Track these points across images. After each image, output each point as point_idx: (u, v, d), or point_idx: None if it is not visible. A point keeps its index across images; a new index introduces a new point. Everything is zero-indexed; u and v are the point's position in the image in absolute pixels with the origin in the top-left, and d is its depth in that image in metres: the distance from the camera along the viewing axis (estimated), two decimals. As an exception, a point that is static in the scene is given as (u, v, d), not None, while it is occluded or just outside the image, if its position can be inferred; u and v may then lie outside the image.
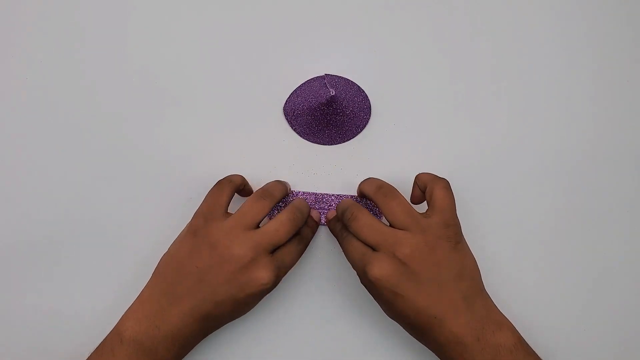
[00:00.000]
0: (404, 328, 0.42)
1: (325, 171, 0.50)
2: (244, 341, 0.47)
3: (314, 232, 0.47)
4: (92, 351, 0.41)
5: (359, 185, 0.45)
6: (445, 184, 0.42)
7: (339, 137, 0.50)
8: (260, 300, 0.42)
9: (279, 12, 0.51)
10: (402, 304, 0.39)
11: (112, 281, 0.48)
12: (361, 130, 0.50)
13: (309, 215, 0.46)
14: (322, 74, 0.50)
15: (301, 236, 0.44)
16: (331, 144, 0.50)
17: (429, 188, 0.43)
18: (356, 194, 0.48)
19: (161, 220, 0.48)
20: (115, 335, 0.40)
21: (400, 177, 0.49)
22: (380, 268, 0.39)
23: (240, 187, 0.45)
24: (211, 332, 0.42)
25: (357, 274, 0.42)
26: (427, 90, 0.51)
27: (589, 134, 0.51)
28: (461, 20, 0.51)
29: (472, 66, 0.51)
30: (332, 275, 0.48)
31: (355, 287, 0.48)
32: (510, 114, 0.51)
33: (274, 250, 0.41)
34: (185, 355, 0.42)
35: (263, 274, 0.39)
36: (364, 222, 0.41)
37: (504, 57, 0.51)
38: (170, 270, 0.41)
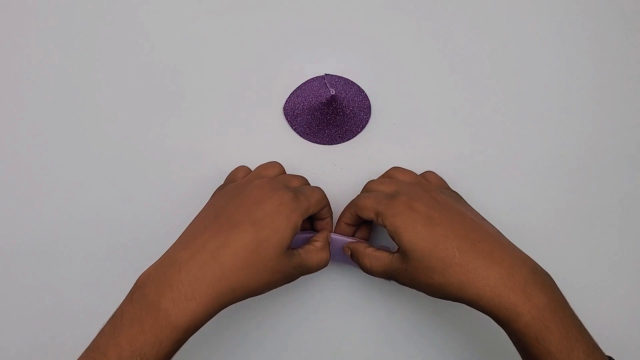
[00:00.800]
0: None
1: (325, 171, 0.50)
2: (244, 340, 0.47)
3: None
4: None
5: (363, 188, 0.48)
6: (432, 172, 0.48)
7: (339, 137, 0.50)
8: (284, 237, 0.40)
9: (279, 12, 0.51)
10: (438, 230, 0.39)
11: (113, 280, 0.48)
12: (361, 130, 0.50)
13: None
14: (322, 74, 0.50)
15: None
16: (331, 144, 0.50)
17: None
18: (356, 195, 0.48)
19: (161, 219, 0.49)
20: (127, 298, 0.37)
21: (400, 177, 0.49)
22: (405, 197, 0.41)
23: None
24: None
25: (377, 222, 0.42)
26: (427, 90, 0.51)
27: (589, 133, 0.51)
28: (461, 20, 0.51)
29: (472, 66, 0.51)
30: (332, 274, 0.48)
31: (355, 286, 0.48)
32: (510, 114, 0.51)
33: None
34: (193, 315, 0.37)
35: (283, 194, 0.40)
36: (377, 181, 0.46)
37: (503, 57, 0.51)
38: (226, 198, 0.43)
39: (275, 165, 0.46)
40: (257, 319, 0.48)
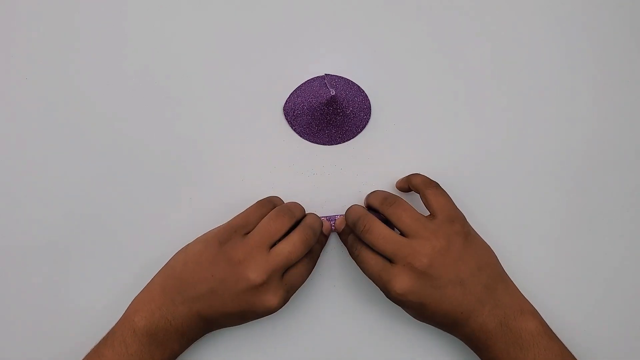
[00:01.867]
0: (433, 325, 0.44)
1: (325, 171, 0.50)
2: (244, 341, 0.47)
3: (323, 246, 0.47)
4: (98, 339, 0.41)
5: (366, 198, 0.47)
6: (434, 188, 0.45)
7: (339, 137, 0.50)
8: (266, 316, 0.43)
9: (279, 12, 0.51)
10: (430, 310, 0.41)
11: (115, 280, 0.48)
12: (361, 130, 0.50)
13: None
14: (322, 74, 0.50)
15: (311, 254, 0.45)
16: (331, 144, 0.50)
17: (421, 195, 0.45)
18: (355, 196, 0.48)
19: (162, 220, 0.48)
20: (127, 325, 0.40)
21: (400, 177, 0.49)
22: (402, 283, 0.40)
23: None
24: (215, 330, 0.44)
25: (380, 289, 0.43)
26: (427, 90, 0.51)
27: (589, 133, 0.51)
28: (461, 20, 0.51)
29: (472, 66, 0.51)
30: (331, 275, 0.48)
31: (354, 286, 0.48)
32: (511, 114, 0.51)
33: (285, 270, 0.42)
34: (188, 346, 0.43)
35: (272, 299, 0.41)
36: (378, 233, 0.42)
37: (504, 57, 0.51)
38: (187, 269, 0.42)
39: (283, 224, 0.43)
40: (256, 320, 0.48)
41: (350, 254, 0.45)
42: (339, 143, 0.50)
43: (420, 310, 0.41)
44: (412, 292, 0.40)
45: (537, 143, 0.50)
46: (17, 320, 0.47)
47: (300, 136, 0.50)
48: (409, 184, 0.47)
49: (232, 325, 0.43)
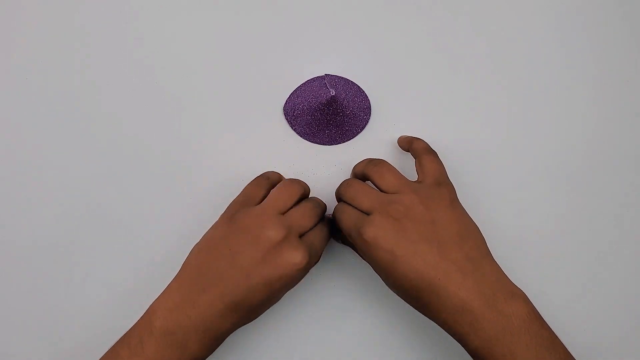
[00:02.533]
0: (405, 300, 0.40)
1: (325, 171, 0.50)
2: (244, 341, 0.47)
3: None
4: (115, 340, 0.39)
5: (352, 170, 0.46)
6: (432, 155, 0.43)
7: (339, 137, 0.50)
8: (293, 285, 0.40)
9: (279, 12, 0.51)
10: (401, 267, 0.37)
11: (114, 279, 0.48)
12: (361, 131, 0.50)
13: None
14: (322, 74, 0.50)
15: (325, 220, 0.44)
16: (331, 144, 0.50)
17: (417, 160, 0.44)
18: None
19: (160, 219, 0.48)
20: (144, 325, 0.38)
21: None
22: (375, 227, 0.38)
23: (276, 183, 0.45)
24: (241, 324, 0.40)
25: (353, 242, 0.40)
26: (427, 90, 0.51)
27: (589, 133, 0.51)
28: (461, 20, 0.52)
29: (472, 66, 0.51)
30: (332, 274, 0.48)
31: (354, 286, 0.48)
32: (511, 115, 0.51)
33: (301, 235, 0.41)
34: (214, 350, 0.40)
35: (296, 254, 0.38)
36: (357, 187, 0.41)
37: (504, 57, 0.51)
38: (202, 256, 0.40)
39: (294, 191, 0.42)
40: (256, 320, 0.48)
41: (335, 219, 0.43)
42: (339, 143, 0.50)
43: (391, 264, 0.38)
44: (383, 237, 0.38)
45: (537, 143, 0.50)
46: (16, 320, 0.47)
47: (300, 136, 0.50)
48: (409, 146, 0.46)
49: (258, 308, 0.40)
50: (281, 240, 0.38)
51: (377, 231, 0.38)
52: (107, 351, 0.39)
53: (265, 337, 0.47)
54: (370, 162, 0.43)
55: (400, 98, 0.51)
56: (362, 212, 0.40)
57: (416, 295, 0.38)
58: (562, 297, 0.48)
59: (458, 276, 0.37)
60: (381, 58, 0.51)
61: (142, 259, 0.48)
